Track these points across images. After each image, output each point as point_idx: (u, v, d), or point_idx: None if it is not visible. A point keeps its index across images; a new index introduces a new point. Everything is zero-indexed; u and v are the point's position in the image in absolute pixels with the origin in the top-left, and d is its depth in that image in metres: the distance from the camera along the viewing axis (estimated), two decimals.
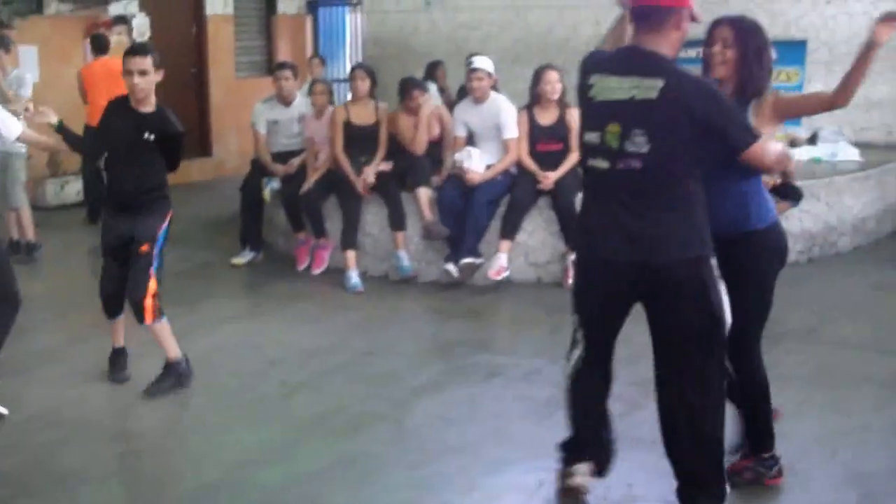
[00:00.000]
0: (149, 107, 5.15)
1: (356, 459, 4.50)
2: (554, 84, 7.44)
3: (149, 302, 5.15)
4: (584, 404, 4.05)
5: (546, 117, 7.52)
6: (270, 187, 8.25)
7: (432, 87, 10.54)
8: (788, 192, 7.75)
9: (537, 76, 7.52)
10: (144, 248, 5.15)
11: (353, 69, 8.41)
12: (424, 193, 7.52)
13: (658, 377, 3.84)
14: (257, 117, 8.45)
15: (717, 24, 4.00)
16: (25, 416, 5.00)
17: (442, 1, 13.40)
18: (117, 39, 10.46)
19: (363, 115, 7.93)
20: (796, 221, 8.12)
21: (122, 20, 11.36)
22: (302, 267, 7.95)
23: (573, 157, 7.31)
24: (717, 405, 3.76)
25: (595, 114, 3.68)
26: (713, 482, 3.80)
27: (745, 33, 3.96)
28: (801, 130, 10.04)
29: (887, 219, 9.23)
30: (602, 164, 3.65)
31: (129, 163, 5.20)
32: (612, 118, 3.59)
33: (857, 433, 4.75)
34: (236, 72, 13.29)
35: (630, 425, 4.72)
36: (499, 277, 7.28)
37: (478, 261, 7.34)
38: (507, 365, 5.73)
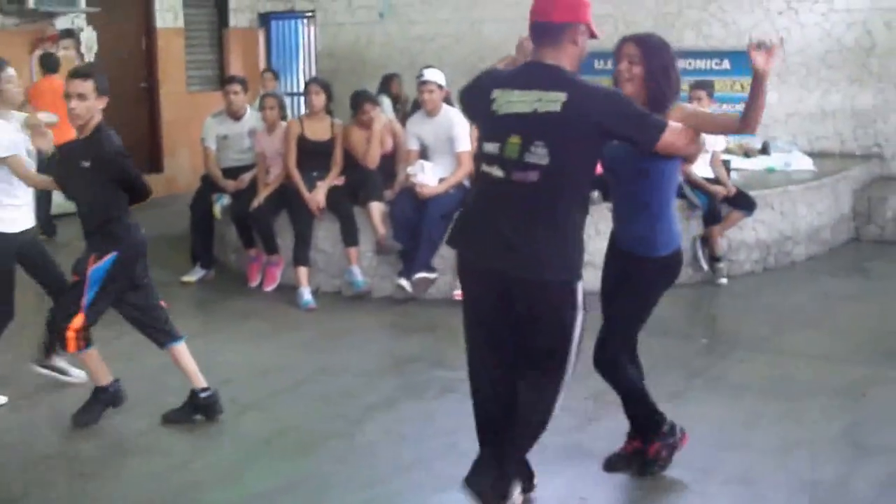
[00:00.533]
0: (87, 133, 4.84)
1: (307, 479, 4.42)
2: None
3: (71, 334, 4.87)
4: (484, 422, 4.07)
5: None
6: (221, 203, 8.14)
7: (385, 101, 10.49)
8: (742, 202, 7.86)
9: None
10: (75, 277, 4.93)
11: (308, 83, 8.30)
12: (377, 208, 7.45)
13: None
14: (207, 132, 8.32)
15: (623, 41, 4.03)
16: None
17: (396, 13, 13.37)
18: (64, 54, 10.35)
19: (318, 131, 7.84)
20: (750, 231, 8.16)
21: (70, 34, 11.21)
22: (253, 284, 7.85)
23: None
24: (550, 406, 3.81)
25: (497, 126, 3.68)
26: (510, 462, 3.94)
27: (651, 51, 3.98)
28: (754, 141, 10.11)
29: (841, 228, 9.29)
30: (497, 172, 3.66)
31: (75, 193, 5.02)
32: (514, 130, 3.61)
33: (810, 442, 4.74)
34: (187, 86, 13.14)
35: (584, 438, 4.72)
36: None
37: (432, 275, 7.27)
38: (462, 380, 5.57)
